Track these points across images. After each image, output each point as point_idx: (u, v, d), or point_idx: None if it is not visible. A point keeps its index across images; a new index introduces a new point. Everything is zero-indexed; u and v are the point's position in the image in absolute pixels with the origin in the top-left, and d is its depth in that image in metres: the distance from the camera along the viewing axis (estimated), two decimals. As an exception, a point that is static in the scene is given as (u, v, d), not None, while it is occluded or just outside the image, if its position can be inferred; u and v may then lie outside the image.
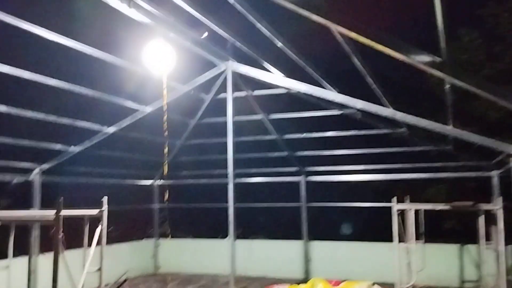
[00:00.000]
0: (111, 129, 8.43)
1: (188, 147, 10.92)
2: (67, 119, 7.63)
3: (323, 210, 12.23)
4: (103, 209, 5.82)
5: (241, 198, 12.58)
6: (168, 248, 12.46)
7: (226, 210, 7.56)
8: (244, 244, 11.42)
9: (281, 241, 12.09)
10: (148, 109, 8.17)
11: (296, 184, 11.55)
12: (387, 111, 7.12)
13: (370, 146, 10.45)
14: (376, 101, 7.22)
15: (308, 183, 11.41)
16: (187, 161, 11.60)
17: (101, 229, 5.80)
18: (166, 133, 6.01)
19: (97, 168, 9.87)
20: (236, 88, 8.65)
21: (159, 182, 12.32)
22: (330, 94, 7.30)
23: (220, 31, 6.13)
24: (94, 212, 5.81)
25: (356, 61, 5.55)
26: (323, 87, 7.31)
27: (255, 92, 8.83)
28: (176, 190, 12.75)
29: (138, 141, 9.54)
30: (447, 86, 5.45)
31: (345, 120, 9.40)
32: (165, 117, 5.90)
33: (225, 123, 9.40)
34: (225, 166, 11.93)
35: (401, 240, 8.67)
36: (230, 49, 7.59)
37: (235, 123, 9.70)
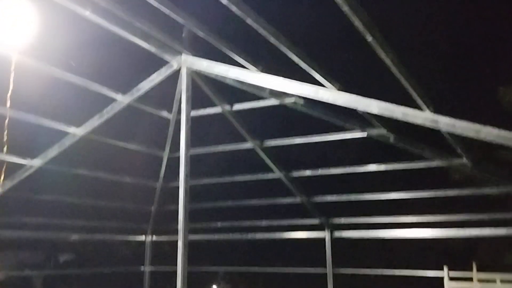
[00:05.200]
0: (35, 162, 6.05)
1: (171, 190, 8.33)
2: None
3: (356, 279, 8.87)
4: None
5: (246, 259, 9.79)
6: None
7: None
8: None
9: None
10: (78, 131, 5.74)
11: (319, 241, 8.38)
12: (422, 116, 4.18)
13: (418, 187, 7.28)
14: (406, 102, 4.37)
15: (335, 241, 8.21)
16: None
17: None
18: (5, 148, 3.56)
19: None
20: (206, 102, 6.16)
21: (151, 238, 9.82)
22: (327, 93, 4.50)
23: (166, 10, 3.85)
24: None
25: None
26: (320, 85, 4.59)
27: (235, 107, 6.15)
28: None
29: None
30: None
31: (374, 147, 6.46)
32: (6, 120, 3.44)
33: (218, 154, 7.16)
34: (231, 216, 9.36)
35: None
36: (186, 38, 5.17)
37: (219, 155, 7.22)
